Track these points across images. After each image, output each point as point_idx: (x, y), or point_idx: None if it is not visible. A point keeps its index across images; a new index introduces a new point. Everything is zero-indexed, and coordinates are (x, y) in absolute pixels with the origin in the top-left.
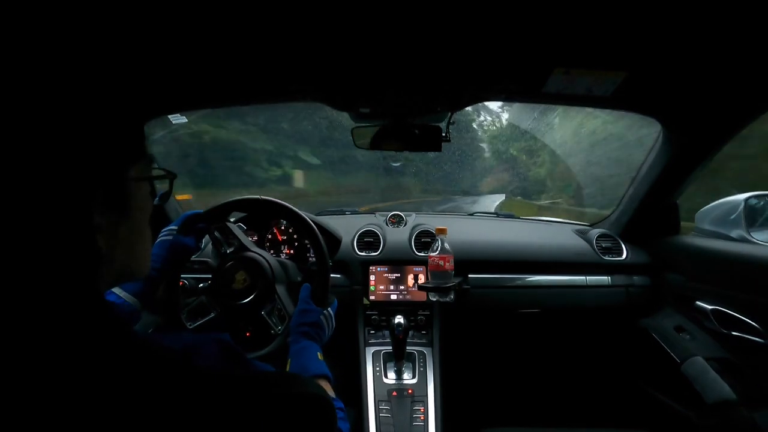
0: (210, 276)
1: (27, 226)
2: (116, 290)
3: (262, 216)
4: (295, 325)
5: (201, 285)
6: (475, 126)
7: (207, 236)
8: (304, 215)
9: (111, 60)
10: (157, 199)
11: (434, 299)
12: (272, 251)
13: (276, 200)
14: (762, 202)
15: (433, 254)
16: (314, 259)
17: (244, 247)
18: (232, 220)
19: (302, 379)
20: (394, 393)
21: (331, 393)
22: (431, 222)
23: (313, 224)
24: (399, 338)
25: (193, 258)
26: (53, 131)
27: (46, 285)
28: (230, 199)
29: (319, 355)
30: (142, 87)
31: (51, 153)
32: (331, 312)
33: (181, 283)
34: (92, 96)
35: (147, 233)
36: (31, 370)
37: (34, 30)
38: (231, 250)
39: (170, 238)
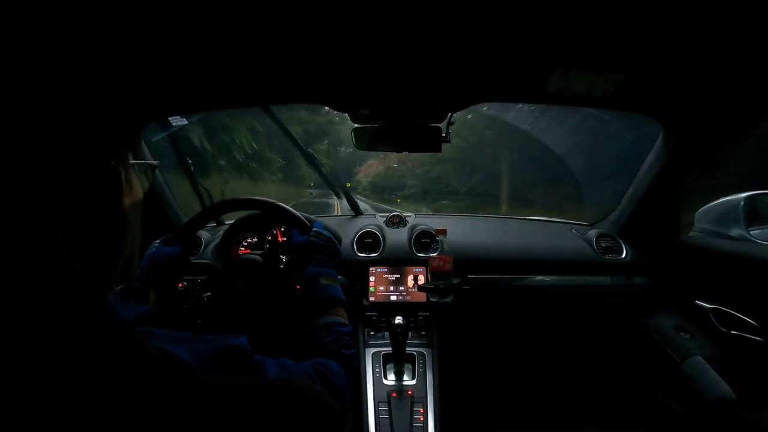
0: (209, 278)
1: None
2: None
3: (262, 218)
4: (302, 263)
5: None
6: None
7: (206, 236)
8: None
9: (126, 65)
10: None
11: (434, 300)
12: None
13: (233, 198)
14: (761, 202)
15: (433, 255)
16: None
17: (221, 266)
18: (230, 222)
19: (303, 389)
20: (394, 394)
21: (341, 316)
22: (431, 222)
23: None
24: (399, 339)
25: (193, 260)
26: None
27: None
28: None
29: (323, 280)
30: (148, 88)
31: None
32: (317, 229)
33: (180, 285)
34: (117, 94)
35: None
36: (34, 373)
37: (70, 46)
38: (206, 291)
39: (153, 249)
